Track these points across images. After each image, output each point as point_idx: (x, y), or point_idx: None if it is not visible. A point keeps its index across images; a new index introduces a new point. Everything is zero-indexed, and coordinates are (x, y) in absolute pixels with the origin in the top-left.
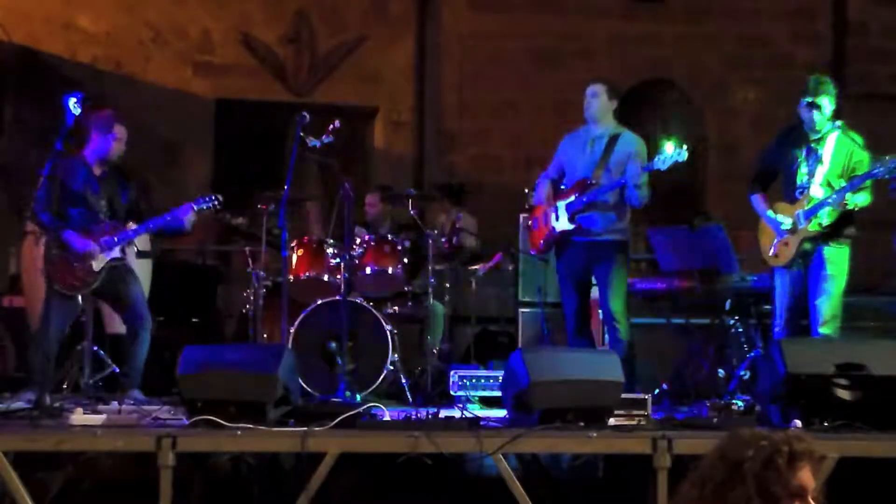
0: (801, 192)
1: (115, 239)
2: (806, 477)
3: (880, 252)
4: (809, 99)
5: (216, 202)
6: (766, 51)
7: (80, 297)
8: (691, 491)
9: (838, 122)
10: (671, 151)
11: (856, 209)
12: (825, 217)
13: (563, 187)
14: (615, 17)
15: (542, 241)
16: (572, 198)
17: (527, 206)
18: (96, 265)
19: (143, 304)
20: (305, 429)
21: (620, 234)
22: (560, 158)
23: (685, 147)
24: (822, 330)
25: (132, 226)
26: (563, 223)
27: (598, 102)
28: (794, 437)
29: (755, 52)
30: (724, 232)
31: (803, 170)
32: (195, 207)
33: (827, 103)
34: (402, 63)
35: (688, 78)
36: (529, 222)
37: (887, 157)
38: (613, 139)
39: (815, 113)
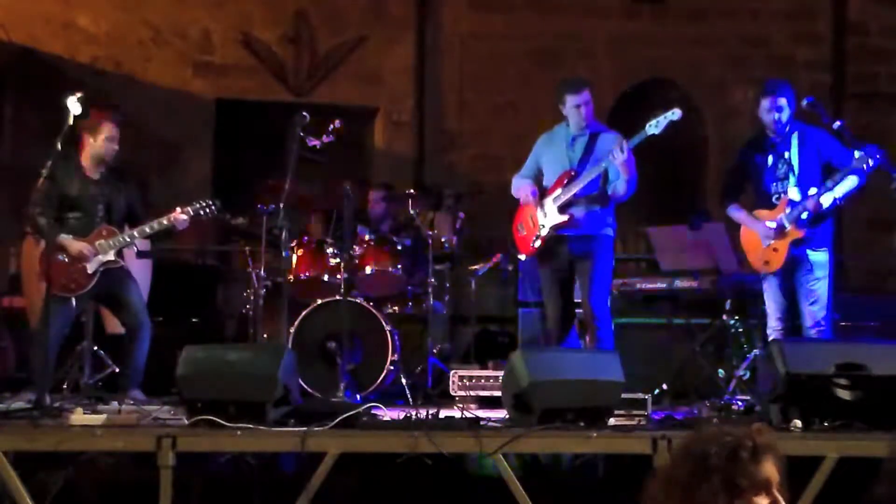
0: (778, 197)
1: (111, 243)
2: (770, 470)
3: (880, 252)
4: (767, 101)
5: (213, 208)
6: (766, 51)
7: (73, 300)
8: (659, 490)
9: (798, 122)
10: (663, 114)
11: (829, 206)
12: (807, 218)
13: (545, 186)
14: (615, 17)
15: (531, 243)
16: (558, 191)
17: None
18: (91, 268)
19: (142, 310)
20: (305, 429)
21: (605, 228)
22: (537, 159)
23: (676, 108)
24: (817, 331)
25: (128, 230)
26: (552, 217)
27: (589, 108)
28: (757, 431)
29: (755, 52)
30: (725, 232)
31: (775, 175)
32: (191, 212)
33: (787, 103)
34: (402, 63)
35: (688, 78)
36: (517, 227)
37: (856, 153)
38: (594, 137)
39: (776, 114)
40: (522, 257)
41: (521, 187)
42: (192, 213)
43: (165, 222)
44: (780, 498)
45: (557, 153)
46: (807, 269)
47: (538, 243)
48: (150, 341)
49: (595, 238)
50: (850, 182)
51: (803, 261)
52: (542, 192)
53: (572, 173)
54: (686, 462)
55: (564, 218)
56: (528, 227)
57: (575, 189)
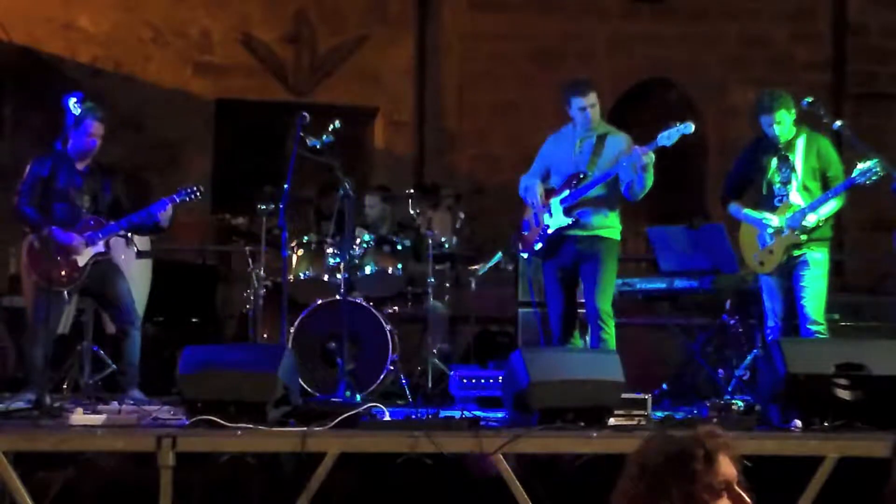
0: (781, 200)
1: (99, 234)
2: (726, 470)
3: (880, 252)
4: (768, 117)
5: (196, 193)
6: (766, 51)
7: (66, 294)
8: None
9: (803, 126)
10: (676, 127)
11: (827, 217)
12: (807, 225)
13: (552, 186)
14: (615, 17)
15: (534, 241)
16: (566, 192)
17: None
18: (81, 260)
19: (130, 302)
20: (305, 429)
21: (612, 231)
22: (545, 159)
23: (689, 121)
24: (813, 328)
25: (114, 221)
26: (557, 219)
27: (597, 110)
28: (706, 435)
29: (755, 52)
30: (725, 232)
31: (777, 178)
32: (177, 200)
33: (786, 116)
34: (402, 63)
35: (688, 78)
36: (519, 224)
37: (859, 164)
38: (602, 138)
39: (777, 127)
40: (524, 255)
41: (528, 188)
42: (177, 200)
43: (152, 211)
44: (741, 494)
45: (565, 155)
46: (804, 267)
47: (541, 244)
48: (150, 341)
49: (602, 239)
50: (836, 204)
51: (801, 260)
52: (548, 192)
53: (581, 176)
54: (641, 479)
55: (569, 221)
56: (532, 225)
57: (583, 193)
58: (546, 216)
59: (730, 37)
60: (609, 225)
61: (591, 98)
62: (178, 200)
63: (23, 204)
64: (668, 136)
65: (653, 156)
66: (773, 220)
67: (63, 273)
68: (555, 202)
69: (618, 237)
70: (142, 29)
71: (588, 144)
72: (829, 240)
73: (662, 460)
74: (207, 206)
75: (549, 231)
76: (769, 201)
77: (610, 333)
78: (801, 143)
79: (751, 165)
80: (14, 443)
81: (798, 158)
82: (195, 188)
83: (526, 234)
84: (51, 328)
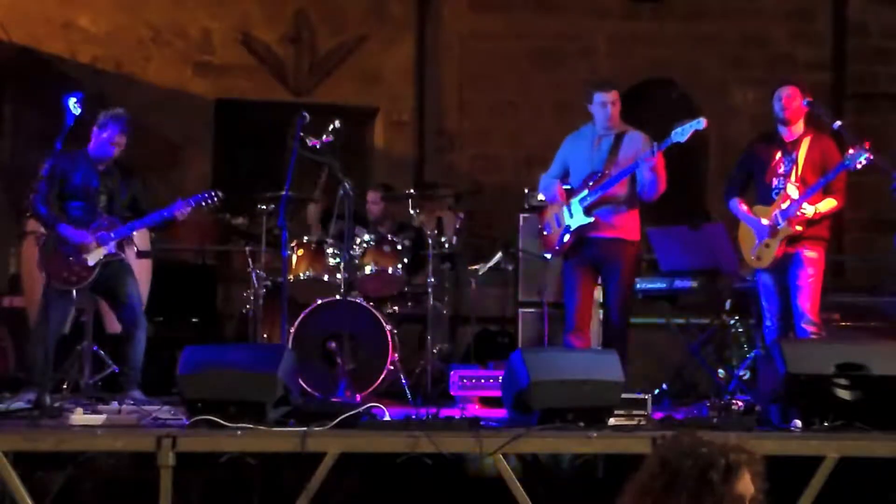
0: (777, 193)
1: (112, 234)
2: (743, 486)
3: (880, 252)
4: (782, 90)
5: (214, 198)
6: (766, 51)
7: (74, 293)
8: (631, 498)
9: (810, 129)
10: (688, 123)
11: (820, 215)
12: (804, 213)
13: (569, 187)
14: (615, 17)
15: (556, 242)
16: (585, 192)
17: (527, 206)
18: (91, 260)
19: (138, 305)
20: (305, 429)
21: (632, 232)
22: (564, 159)
23: (701, 117)
24: (808, 327)
25: (129, 221)
26: (578, 219)
27: (616, 108)
28: (732, 448)
29: (755, 52)
30: (725, 232)
31: (779, 171)
32: (192, 204)
33: (799, 97)
34: (402, 63)
35: (688, 78)
36: (540, 226)
37: (850, 151)
38: (620, 137)
39: (787, 101)
40: (548, 256)
41: (548, 187)
42: (193, 204)
43: (166, 214)
44: None
45: (583, 153)
46: (799, 266)
47: (564, 241)
48: (150, 341)
49: (623, 242)
50: (830, 203)
51: (797, 258)
52: (568, 192)
53: (598, 175)
54: (660, 474)
55: (591, 220)
56: (553, 226)
57: (602, 192)
58: (567, 216)
59: (730, 37)
60: (629, 227)
61: (613, 95)
62: (193, 204)
63: (37, 201)
64: (682, 132)
65: (656, 157)
66: (766, 221)
67: (72, 272)
68: (575, 202)
69: (637, 237)
70: (142, 29)
71: (606, 143)
72: (826, 241)
73: (684, 462)
74: None
75: (571, 230)
76: (767, 194)
77: (622, 339)
78: (806, 141)
79: (753, 158)
80: (14, 443)
81: (801, 155)
82: (214, 193)
83: (548, 234)
84: (56, 328)
